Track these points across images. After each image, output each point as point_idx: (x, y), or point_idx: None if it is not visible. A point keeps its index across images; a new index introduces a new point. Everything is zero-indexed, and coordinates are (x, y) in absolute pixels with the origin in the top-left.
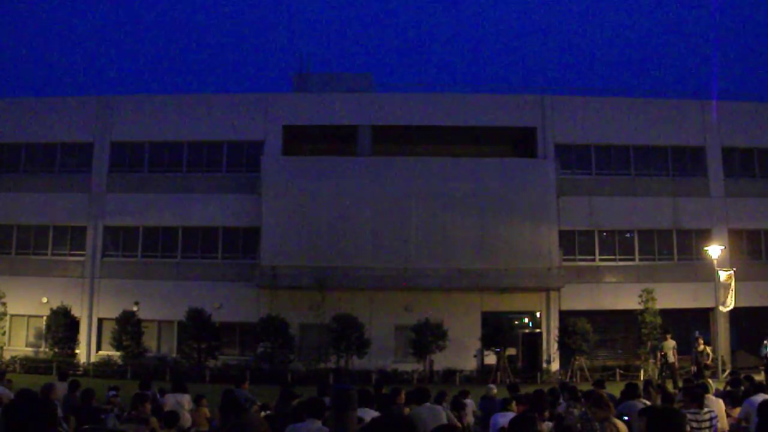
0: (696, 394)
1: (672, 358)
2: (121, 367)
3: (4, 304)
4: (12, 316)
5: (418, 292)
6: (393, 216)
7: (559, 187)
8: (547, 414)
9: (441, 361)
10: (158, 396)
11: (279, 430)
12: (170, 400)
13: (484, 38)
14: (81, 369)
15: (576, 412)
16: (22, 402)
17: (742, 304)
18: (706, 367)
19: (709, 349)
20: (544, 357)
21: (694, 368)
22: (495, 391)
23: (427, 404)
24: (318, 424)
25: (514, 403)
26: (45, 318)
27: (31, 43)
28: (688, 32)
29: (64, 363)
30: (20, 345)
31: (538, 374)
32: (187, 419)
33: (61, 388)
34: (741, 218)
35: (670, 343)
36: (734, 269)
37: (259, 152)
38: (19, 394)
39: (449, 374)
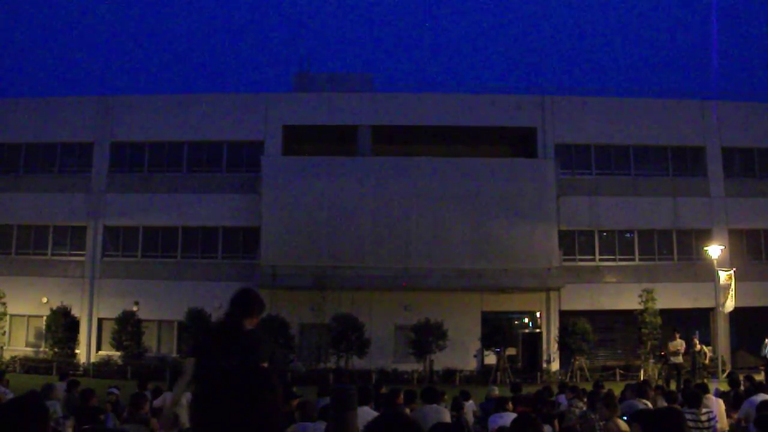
0: (694, 395)
1: (680, 358)
2: (121, 367)
3: (4, 304)
4: (12, 316)
5: (418, 292)
6: (393, 216)
7: (559, 187)
8: (545, 416)
9: (441, 361)
10: (157, 397)
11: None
12: (169, 399)
13: (485, 38)
14: (81, 369)
15: (576, 411)
16: (14, 405)
17: (742, 304)
18: (704, 366)
19: (707, 349)
20: (544, 357)
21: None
22: (497, 392)
23: (435, 405)
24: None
25: (510, 403)
26: (45, 318)
27: (31, 43)
28: (688, 32)
29: (64, 363)
30: (20, 345)
31: (538, 374)
32: (186, 418)
33: (61, 388)
34: (741, 218)
35: (678, 343)
36: (734, 269)
37: (259, 152)
38: (21, 397)
39: (449, 374)
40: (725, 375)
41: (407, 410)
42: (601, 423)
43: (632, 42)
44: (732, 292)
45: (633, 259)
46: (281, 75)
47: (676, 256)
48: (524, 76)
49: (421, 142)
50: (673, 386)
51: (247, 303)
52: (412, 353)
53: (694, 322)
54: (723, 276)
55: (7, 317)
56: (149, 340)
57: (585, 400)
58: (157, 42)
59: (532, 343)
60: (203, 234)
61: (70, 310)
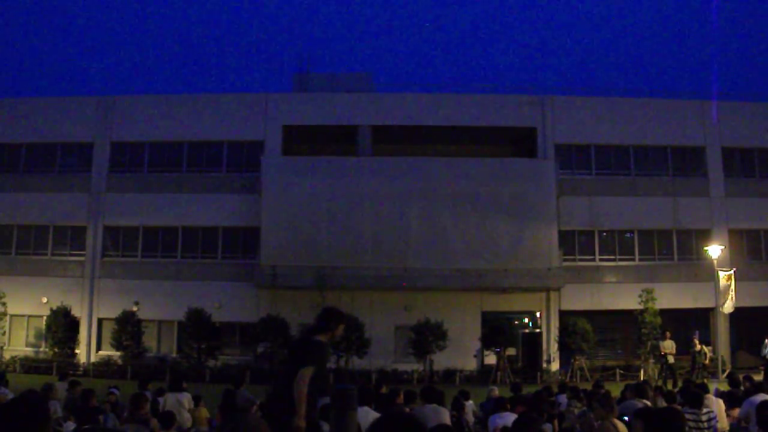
0: (694, 395)
1: (671, 358)
2: (121, 367)
3: (4, 304)
4: (12, 316)
5: (418, 292)
6: (393, 216)
7: (559, 187)
8: (545, 416)
9: (441, 361)
10: (158, 397)
11: None
12: (170, 399)
13: (484, 38)
14: (81, 369)
15: (576, 411)
16: (14, 405)
17: (742, 304)
18: (704, 367)
19: (707, 349)
20: (544, 357)
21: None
22: (497, 392)
23: (435, 405)
24: (327, 427)
25: (507, 404)
26: (45, 318)
27: (31, 43)
28: (688, 32)
29: (64, 363)
30: (20, 345)
31: (538, 374)
32: (187, 418)
33: (61, 388)
34: (741, 218)
35: (669, 343)
36: (734, 269)
37: (259, 152)
38: (21, 397)
39: (449, 374)
40: (725, 375)
41: (407, 410)
42: (597, 423)
43: (632, 42)
44: (732, 293)
45: (633, 259)
46: (281, 75)
47: (676, 256)
48: (524, 76)
49: (421, 142)
50: (670, 386)
51: (320, 319)
52: (412, 353)
53: (694, 322)
54: (722, 277)
55: (7, 317)
56: (149, 340)
57: (584, 399)
58: (157, 42)
59: (532, 343)
60: (203, 234)
61: (70, 310)
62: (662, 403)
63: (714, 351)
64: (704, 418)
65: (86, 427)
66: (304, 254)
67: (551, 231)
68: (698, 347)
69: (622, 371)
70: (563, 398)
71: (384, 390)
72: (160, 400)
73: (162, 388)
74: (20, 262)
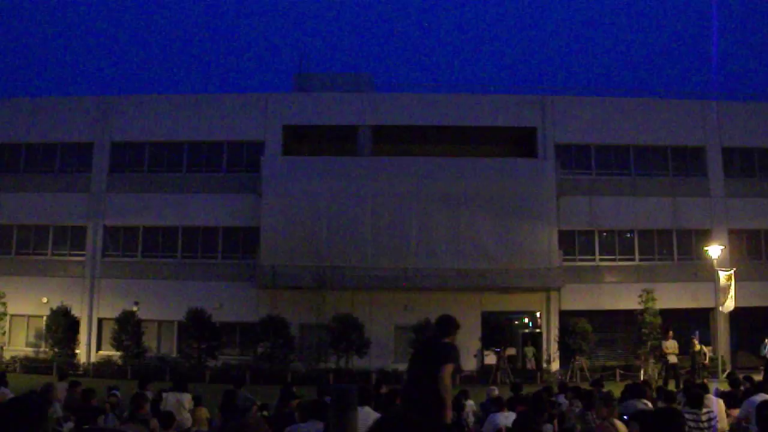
0: (695, 395)
1: (674, 358)
2: (121, 367)
3: (4, 304)
4: (12, 316)
5: (418, 292)
6: (393, 216)
7: (559, 187)
8: (546, 416)
9: None
10: (161, 395)
11: (279, 430)
12: (171, 399)
13: (484, 38)
14: (81, 369)
15: (576, 411)
16: (14, 405)
17: (742, 304)
18: (704, 367)
19: (706, 349)
20: (544, 357)
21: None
22: (496, 392)
23: None
24: (320, 426)
25: (507, 404)
26: (45, 318)
27: (31, 43)
28: (688, 32)
29: (64, 363)
30: (20, 345)
31: (538, 374)
32: (187, 419)
33: (61, 388)
34: (741, 218)
35: (671, 343)
36: (734, 269)
37: (259, 152)
38: (20, 397)
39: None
40: (725, 375)
41: None
42: (597, 423)
43: (632, 42)
44: (732, 292)
45: (633, 259)
46: (281, 75)
47: (676, 256)
48: (524, 76)
49: (421, 142)
50: (671, 386)
51: (442, 326)
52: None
53: (694, 322)
54: (722, 276)
55: (7, 317)
56: (149, 340)
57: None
58: (157, 42)
59: (532, 343)
60: (203, 234)
61: (70, 310)
62: (662, 403)
63: (714, 351)
64: (704, 418)
65: (86, 427)
66: (304, 254)
67: (551, 231)
68: (697, 347)
69: (622, 371)
70: (563, 398)
71: (384, 390)
72: (163, 395)
73: (164, 389)
74: (20, 262)
